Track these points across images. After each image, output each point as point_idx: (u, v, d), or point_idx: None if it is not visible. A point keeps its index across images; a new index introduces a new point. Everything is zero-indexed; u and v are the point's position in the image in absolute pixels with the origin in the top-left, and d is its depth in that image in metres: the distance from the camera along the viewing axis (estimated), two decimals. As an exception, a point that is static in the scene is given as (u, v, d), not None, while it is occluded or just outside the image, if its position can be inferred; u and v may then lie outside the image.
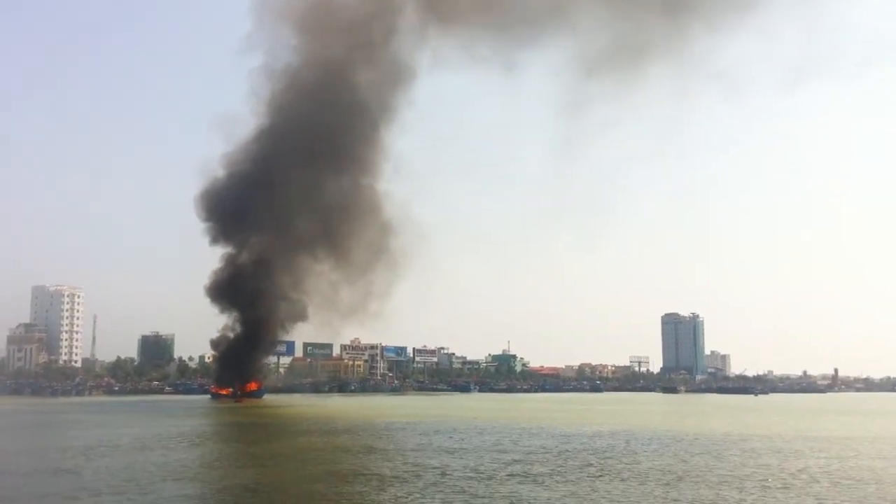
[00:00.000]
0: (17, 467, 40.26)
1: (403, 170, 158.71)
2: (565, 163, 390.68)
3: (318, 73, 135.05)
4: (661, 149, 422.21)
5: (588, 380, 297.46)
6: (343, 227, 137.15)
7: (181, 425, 71.41)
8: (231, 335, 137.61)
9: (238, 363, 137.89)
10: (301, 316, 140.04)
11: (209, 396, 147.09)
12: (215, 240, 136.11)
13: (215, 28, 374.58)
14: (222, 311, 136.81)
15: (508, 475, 38.57)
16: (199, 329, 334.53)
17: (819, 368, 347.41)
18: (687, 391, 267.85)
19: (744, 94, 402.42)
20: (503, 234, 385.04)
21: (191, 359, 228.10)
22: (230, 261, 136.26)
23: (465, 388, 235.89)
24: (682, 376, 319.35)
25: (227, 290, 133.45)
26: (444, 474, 38.54)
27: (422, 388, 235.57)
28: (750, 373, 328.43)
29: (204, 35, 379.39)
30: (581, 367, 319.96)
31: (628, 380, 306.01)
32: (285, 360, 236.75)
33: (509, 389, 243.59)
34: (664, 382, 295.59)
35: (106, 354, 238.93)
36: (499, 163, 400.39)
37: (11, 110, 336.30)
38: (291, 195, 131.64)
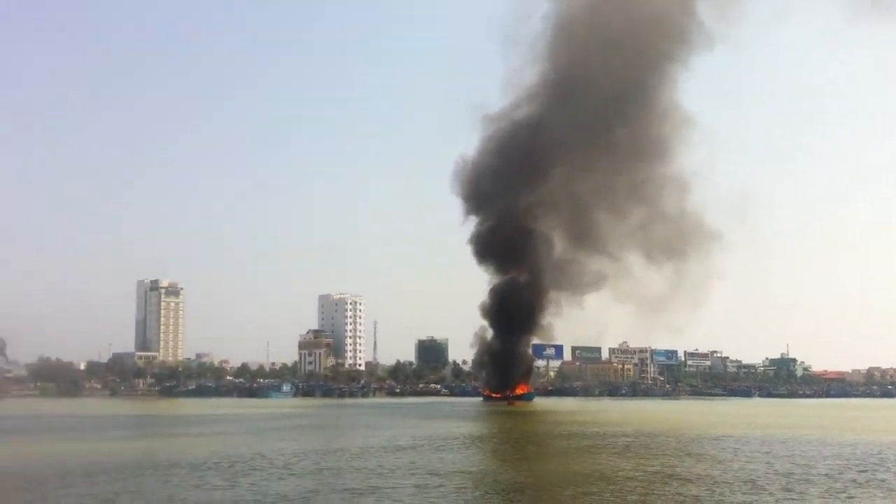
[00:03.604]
0: (288, 467, 41.80)
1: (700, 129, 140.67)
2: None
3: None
4: None
5: (878, 384, 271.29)
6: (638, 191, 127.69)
7: (455, 428, 72.57)
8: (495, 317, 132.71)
9: (505, 357, 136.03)
10: (595, 284, 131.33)
11: (482, 399, 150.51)
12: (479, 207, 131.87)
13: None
14: (488, 267, 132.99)
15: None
16: (470, 335, 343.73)
17: None
18: None
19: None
20: (786, 213, 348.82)
21: (464, 362, 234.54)
22: (502, 215, 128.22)
23: (745, 393, 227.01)
24: None
25: (498, 242, 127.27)
26: None
27: (695, 392, 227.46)
28: None
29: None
30: (870, 371, 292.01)
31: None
32: (554, 364, 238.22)
33: (790, 395, 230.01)
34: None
35: (386, 358, 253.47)
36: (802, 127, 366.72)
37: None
38: (575, 154, 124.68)
